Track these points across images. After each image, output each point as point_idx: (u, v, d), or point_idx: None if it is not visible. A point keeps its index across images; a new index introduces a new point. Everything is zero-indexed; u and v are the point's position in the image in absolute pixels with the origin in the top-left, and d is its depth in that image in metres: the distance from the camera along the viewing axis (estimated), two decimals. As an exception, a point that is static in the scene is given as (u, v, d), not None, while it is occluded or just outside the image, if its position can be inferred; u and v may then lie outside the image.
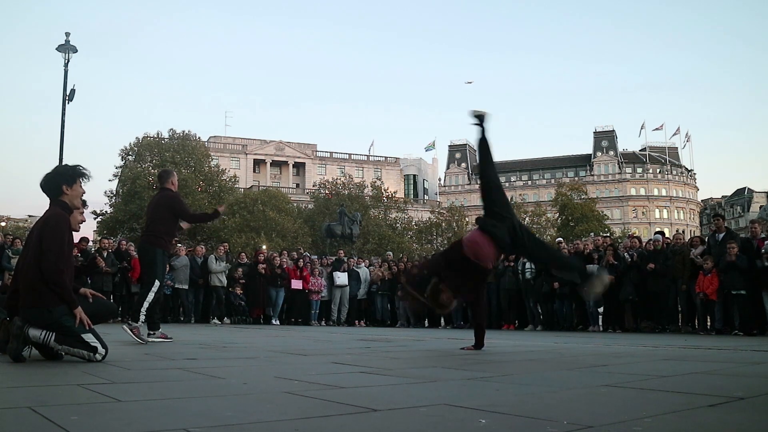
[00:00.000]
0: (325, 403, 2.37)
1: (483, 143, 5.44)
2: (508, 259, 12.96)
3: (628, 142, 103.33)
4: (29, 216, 63.22)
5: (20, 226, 56.54)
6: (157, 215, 6.46)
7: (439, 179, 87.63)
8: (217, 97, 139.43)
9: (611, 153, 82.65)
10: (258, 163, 75.41)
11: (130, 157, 41.26)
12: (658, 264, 10.88)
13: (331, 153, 79.53)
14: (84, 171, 4.14)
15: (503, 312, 12.93)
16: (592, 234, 26.32)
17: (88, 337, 3.82)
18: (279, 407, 2.33)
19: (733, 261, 9.58)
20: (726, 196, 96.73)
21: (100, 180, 55.58)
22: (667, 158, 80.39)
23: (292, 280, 14.19)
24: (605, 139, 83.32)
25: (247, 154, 74.32)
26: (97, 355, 3.80)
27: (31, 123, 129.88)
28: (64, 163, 4.58)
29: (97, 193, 69.51)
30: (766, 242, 9.59)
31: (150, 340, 6.12)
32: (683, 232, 24.12)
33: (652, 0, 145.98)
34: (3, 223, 55.93)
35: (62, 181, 4.00)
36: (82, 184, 4.13)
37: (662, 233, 12.52)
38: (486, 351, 5.19)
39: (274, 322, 13.88)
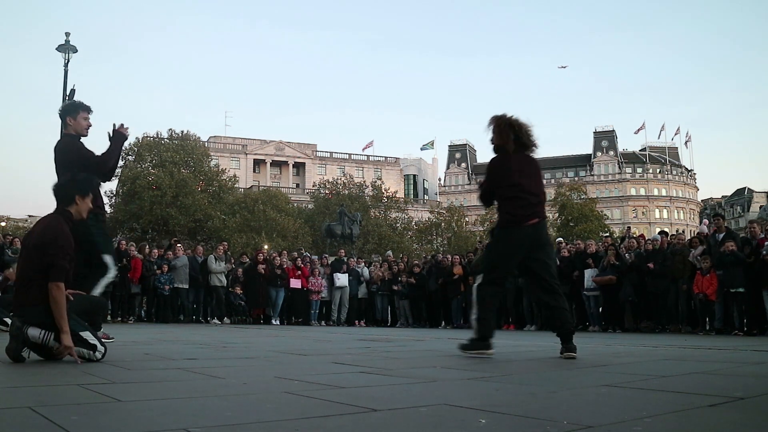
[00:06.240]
0: (325, 403, 2.36)
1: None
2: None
3: (628, 142, 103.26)
4: (29, 216, 63.18)
5: (20, 226, 56.31)
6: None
7: (439, 179, 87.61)
8: (217, 97, 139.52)
9: (611, 153, 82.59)
10: (258, 163, 75.36)
11: (129, 157, 41.16)
12: (657, 264, 10.88)
13: (331, 153, 79.50)
14: (98, 184, 4.57)
15: (503, 312, 12.92)
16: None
17: (87, 335, 3.81)
18: (279, 407, 2.33)
19: (727, 254, 9.53)
20: (726, 196, 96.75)
21: (100, 180, 55.32)
22: (667, 158, 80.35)
23: (291, 279, 14.19)
24: (605, 139, 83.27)
25: (247, 154, 74.27)
26: (96, 353, 3.79)
27: (32, 123, 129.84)
28: (80, 173, 4.45)
29: (97, 193, 69.26)
30: (766, 243, 9.58)
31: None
32: (683, 232, 24.11)
33: (651, 1, 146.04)
34: (3, 223, 55.86)
35: (77, 192, 4.03)
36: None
37: (665, 233, 12.47)
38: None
39: (274, 322, 13.89)
